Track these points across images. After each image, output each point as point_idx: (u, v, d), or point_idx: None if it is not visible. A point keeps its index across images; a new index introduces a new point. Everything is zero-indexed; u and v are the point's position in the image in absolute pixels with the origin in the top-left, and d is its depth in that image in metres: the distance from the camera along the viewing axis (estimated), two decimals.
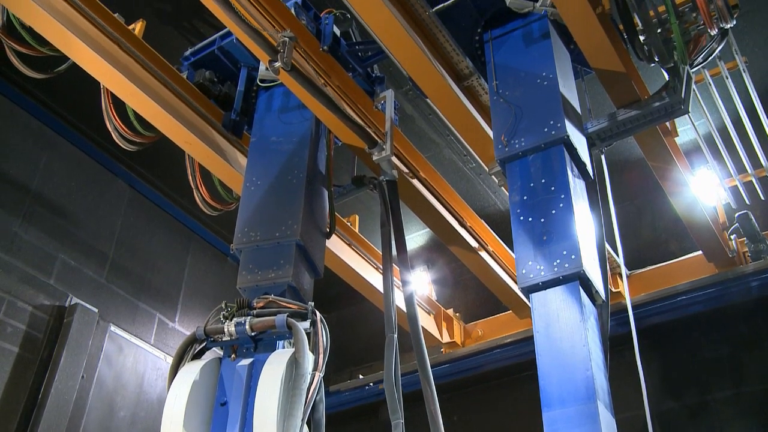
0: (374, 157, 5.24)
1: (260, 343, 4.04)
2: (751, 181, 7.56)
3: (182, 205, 10.08)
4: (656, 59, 5.63)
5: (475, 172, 9.80)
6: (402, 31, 5.34)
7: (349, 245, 7.94)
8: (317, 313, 4.03)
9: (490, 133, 6.37)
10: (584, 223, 4.90)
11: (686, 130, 7.95)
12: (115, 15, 5.69)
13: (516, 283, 8.48)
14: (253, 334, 3.97)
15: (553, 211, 4.87)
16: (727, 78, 6.62)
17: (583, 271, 4.48)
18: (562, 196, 4.92)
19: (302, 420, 3.42)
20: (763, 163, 7.34)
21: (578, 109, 5.70)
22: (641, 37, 5.62)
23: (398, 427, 4.07)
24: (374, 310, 8.99)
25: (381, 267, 7.73)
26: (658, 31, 5.63)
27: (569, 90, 5.67)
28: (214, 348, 4.17)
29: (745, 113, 6.84)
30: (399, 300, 6.89)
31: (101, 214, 8.99)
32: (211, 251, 10.71)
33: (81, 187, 8.79)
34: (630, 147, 9.16)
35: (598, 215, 5.23)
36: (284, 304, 4.12)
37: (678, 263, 8.54)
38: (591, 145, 5.69)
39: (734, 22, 5.60)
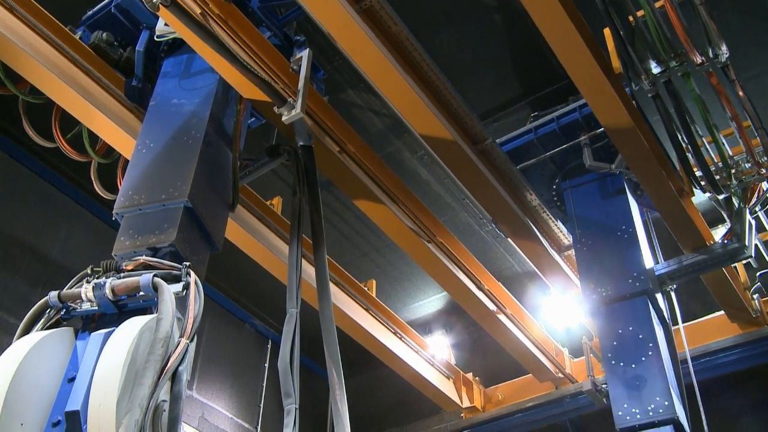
0: (284, 117, 4.73)
1: (125, 311, 3.34)
2: None
3: None
4: (711, 191, 6.39)
5: (492, 235, 9.81)
6: (416, 98, 5.42)
7: (366, 310, 7.94)
8: (192, 274, 3.36)
9: (506, 196, 6.48)
10: (671, 368, 5.56)
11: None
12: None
13: (536, 347, 8.45)
14: (115, 298, 3.28)
15: (643, 358, 5.54)
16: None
17: (677, 417, 5.15)
18: (650, 345, 5.61)
19: (154, 389, 2.77)
20: None
21: (650, 255, 6.45)
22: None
23: (291, 413, 3.53)
24: (392, 374, 8.96)
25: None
26: (713, 169, 6.40)
27: (642, 237, 6.51)
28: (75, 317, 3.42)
29: None
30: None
31: None
32: (228, 318, 10.70)
33: (100, 256, 8.68)
34: None
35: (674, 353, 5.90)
36: (156, 264, 3.47)
37: (701, 323, 8.43)
38: (661, 284, 6.37)
39: None
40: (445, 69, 5.79)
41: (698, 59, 5.59)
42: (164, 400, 2.87)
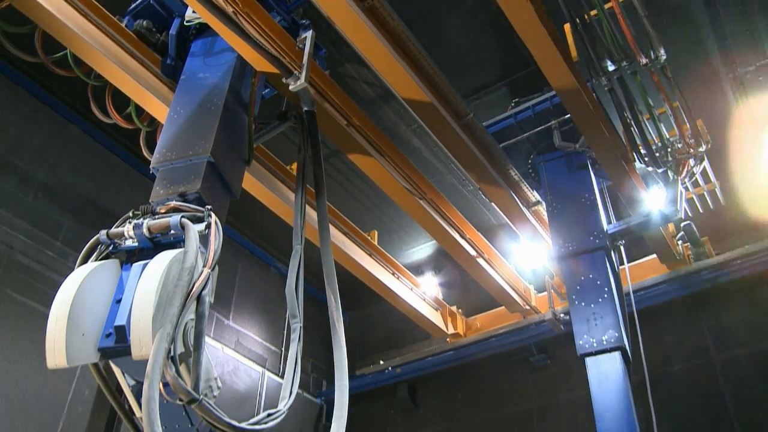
0: (290, 87, 4.81)
1: (159, 246, 3.40)
2: (693, 198, 7.85)
3: (231, 223, 10.37)
4: (653, 165, 6.84)
5: (473, 193, 9.86)
6: (409, 78, 5.52)
7: (369, 255, 8.11)
8: (213, 216, 3.43)
9: (484, 161, 6.66)
10: (619, 306, 5.88)
11: None
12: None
13: (508, 284, 8.69)
14: (151, 236, 3.36)
15: (600, 300, 5.91)
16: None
17: (623, 345, 5.53)
18: (606, 289, 5.96)
19: (182, 309, 2.86)
20: (701, 183, 7.67)
21: (605, 217, 6.71)
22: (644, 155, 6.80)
23: (296, 331, 3.61)
24: (391, 308, 9.10)
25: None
26: (654, 148, 6.85)
27: (600, 203, 6.78)
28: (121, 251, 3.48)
29: None
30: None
31: None
32: (257, 262, 10.85)
33: None
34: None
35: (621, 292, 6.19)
36: (184, 208, 3.53)
37: (638, 265, 8.63)
38: (614, 240, 6.63)
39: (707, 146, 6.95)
40: (436, 54, 5.82)
41: (643, 60, 5.84)
42: (192, 318, 2.97)
